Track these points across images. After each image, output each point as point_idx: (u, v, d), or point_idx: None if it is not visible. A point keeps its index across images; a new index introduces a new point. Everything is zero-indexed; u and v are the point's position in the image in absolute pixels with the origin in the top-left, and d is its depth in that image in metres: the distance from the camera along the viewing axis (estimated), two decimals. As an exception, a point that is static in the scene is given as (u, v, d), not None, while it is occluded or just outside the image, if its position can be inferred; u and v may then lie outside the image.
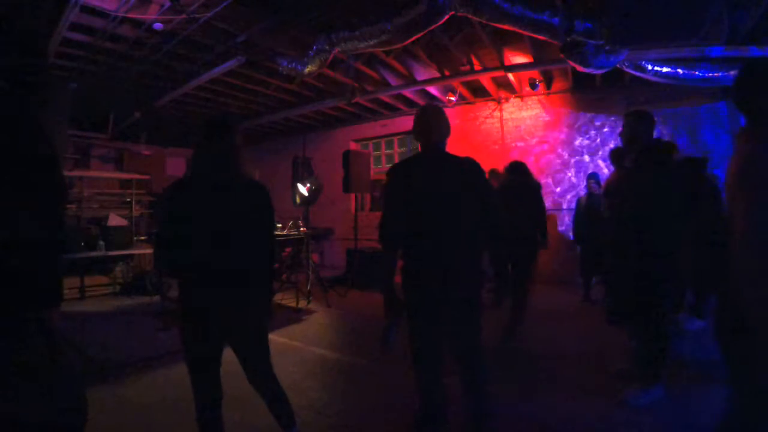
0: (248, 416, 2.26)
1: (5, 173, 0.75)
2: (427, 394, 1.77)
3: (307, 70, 4.56)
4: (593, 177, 4.86)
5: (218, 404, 1.62)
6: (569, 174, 6.38)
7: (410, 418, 2.29)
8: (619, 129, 2.60)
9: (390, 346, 1.81)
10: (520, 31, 3.69)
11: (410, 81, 6.02)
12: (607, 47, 3.69)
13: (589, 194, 4.79)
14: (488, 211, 1.80)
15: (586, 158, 6.25)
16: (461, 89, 6.45)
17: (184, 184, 1.59)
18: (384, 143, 8.52)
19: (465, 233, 1.74)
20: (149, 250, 5.91)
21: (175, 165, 9.77)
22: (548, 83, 6.33)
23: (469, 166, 1.83)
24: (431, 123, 1.88)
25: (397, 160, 8.35)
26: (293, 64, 4.62)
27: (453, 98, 6.53)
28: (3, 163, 0.75)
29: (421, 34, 3.86)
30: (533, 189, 3.75)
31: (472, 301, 1.79)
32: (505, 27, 3.63)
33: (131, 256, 5.86)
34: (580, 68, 4.04)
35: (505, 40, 4.95)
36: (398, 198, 1.77)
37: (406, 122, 7.84)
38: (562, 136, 6.44)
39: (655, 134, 2.51)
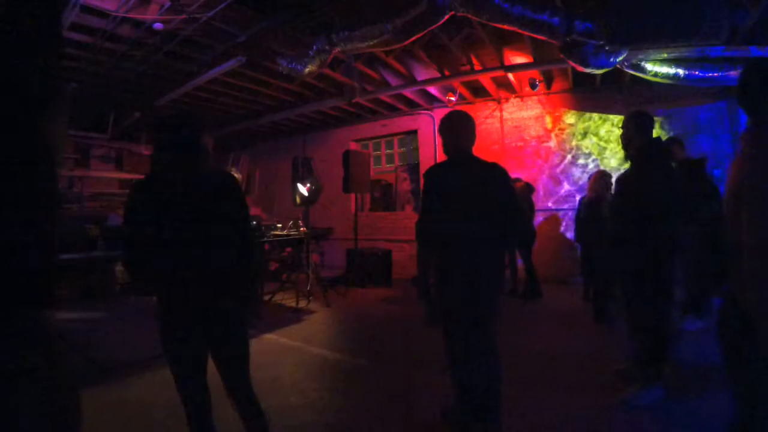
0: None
1: None
2: (468, 392, 1.86)
3: (307, 70, 4.56)
4: None
5: (208, 408, 1.57)
6: (569, 174, 6.38)
7: (410, 418, 2.29)
8: (619, 129, 2.59)
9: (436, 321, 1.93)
10: (520, 31, 3.69)
11: (410, 81, 6.02)
12: (607, 47, 3.69)
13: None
14: (514, 216, 1.89)
15: (586, 158, 6.26)
16: (461, 89, 6.45)
17: (146, 185, 1.52)
18: (384, 143, 8.51)
19: (492, 237, 1.80)
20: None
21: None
22: (548, 83, 6.33)
23: (498, 172, 1.91)
24: (462, 130, 1.96)
25: (397, 160, 8.35)
26: (293, 64, 4.61)
27: (453, 98, 6.52)
28: None
29: (421, 34, 3.86)
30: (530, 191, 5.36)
31: (491, 307, 1.85)
32: (505, 27, 3.62)
33: (131, 256, 5.84)
34: (580, 68, 4.04)
35: (505, 40, 4.95)
36: (434, 200, 1.84)
37: (406, 122, 7.84)
38: (562, 136, 6.44)
39: (654, 135, 2.51)
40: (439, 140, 7.56)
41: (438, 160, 7.24)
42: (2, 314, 0.74)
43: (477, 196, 1.80)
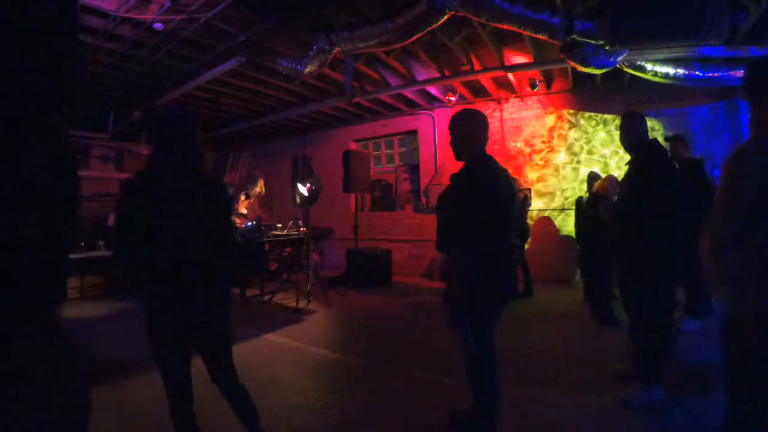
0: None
1: (13, 171, 0.75)
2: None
3: (307, 70, 4.56)
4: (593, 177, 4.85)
5: (190, 398, 1.64)
6: (568, 173, 6.38)
7: (411, 418, 2.29)
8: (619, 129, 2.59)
9: None
10: (520, 31, 3.68)
11: (410, 81, 6.02)
12: (607, 47, 3.69)
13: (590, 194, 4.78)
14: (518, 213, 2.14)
15: (586, 158, 6.26)
16: (461, 89, 6.45)
17: (140, 183, 1.55)
18: (384, 143, 8.51)
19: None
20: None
21: (175, 165, 9.76)
22: (548, 83, 6.33)
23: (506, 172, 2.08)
24: (485, 128, 2.04)
25: (397, 160, 8.35)
26: (293, 64, 4.61)
27: (453, 98, 6.52)
28: (12, 161, 0.75)
29: (421, 34, 3.85)
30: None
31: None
32: (505, 27, 3.62)
33: (131, 256, 5.85)
34: (580, 68, 4.04)
35: (505, 40, 4.95)
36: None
37: (406, 122, 7.84)
38: (562, 136, 6.44)
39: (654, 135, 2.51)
40: (439, 140, 7.50)
41: (439, 161, 7.26)
42: (21, 311, 0.74)
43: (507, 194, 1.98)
